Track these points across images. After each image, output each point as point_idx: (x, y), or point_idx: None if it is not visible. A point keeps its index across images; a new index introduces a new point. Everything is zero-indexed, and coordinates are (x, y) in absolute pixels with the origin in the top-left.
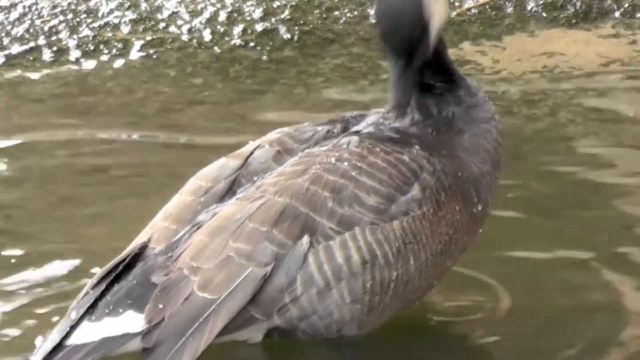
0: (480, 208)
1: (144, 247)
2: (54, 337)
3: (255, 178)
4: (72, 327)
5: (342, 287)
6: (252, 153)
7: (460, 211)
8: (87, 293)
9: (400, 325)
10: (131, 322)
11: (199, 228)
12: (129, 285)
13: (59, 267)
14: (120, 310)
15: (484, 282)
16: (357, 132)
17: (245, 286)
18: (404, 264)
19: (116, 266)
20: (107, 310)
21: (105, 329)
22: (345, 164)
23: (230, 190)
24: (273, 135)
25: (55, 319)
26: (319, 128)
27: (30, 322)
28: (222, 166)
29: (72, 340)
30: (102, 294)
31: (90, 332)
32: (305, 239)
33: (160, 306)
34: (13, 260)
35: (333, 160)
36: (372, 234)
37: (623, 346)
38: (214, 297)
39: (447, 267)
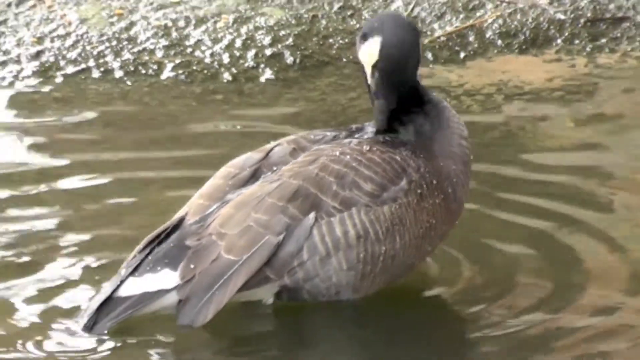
0: (456, 202)
1: (181, 219)
2: (105, 289)
3: (274, 168)
4: (121, 282)
5: (340, 256)
6: (272, 149)
7: (439, 204)
8: (134, 256)
9: (393, 294)
10: (167, 278)
11: (227, 204)
12: (167, 247)
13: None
14: (159, 268)
15: (454, 256)
16: (357, 137)
17: (262, 251)
18: (391, 242)
19: (159, 234)
20: (148, 268)
21: (145, 284)
22: (348, 157)
23: (253, 177)
24: (290, 136)
25: None
26: (327, 133)
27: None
28: (248, 157)
29: (119, 293)
30: (146, 256)
31: (133, 286)
32: (312, 214)
33: (192, 266)
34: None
35: (337, 153)
36: (366, 214)
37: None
38: (236, 259)
39: (427, 250)
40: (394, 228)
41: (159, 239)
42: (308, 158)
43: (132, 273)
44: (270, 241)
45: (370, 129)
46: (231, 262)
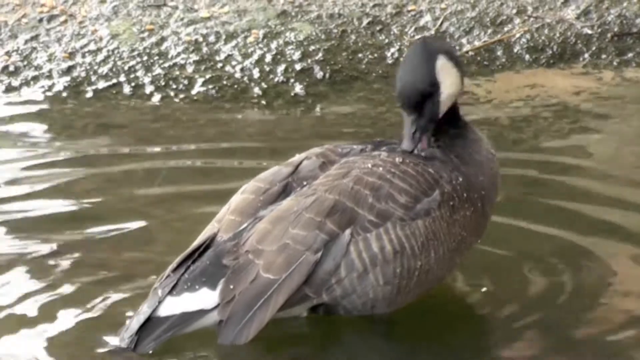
0: (484, 215)
1: (214, 236)
2: (144, 310)
3: (305, 183)
4: (159, 302)
5: (377, 272)
6: (301, 162)
7: (469, 216)
8: (168, 275)
9: (421, 306)
10: (206, 298)
11: (260, 220)
12: (203, 266)
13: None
14: (197, 287)
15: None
16: (385, 149)
17: (301, 269)
18: (427, 256)
19: (192, 252)
20: (185, 287)
21: (184, 304)
22: (381, 168)
23: (283, 192)
24: (317, 149)
25: None
26: (354, 146)
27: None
28: (276, 172)
29: (158, 313)
30: (182, 274)
31: (172, 306)
32: (348, 231)
33: (231, 286)
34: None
35: (370, 165)
36: (401, 229)
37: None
38: (276, 278)
39: (457, 262)
40: (429, 243)
41: (193, 257)
42: (340, 171)
43: (170, 292)
44: (308, 259)
45: (397, 146)
46: (270, 281)
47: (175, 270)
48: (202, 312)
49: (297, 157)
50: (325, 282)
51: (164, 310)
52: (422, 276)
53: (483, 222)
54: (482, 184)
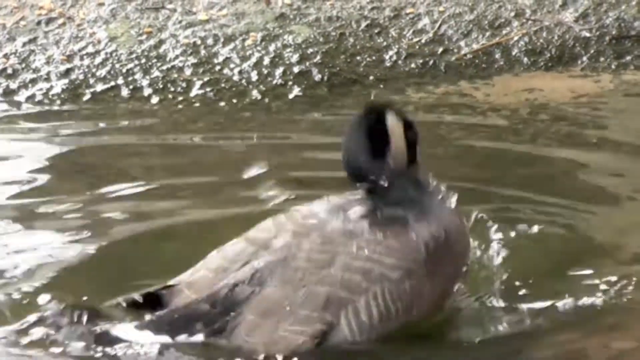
0: (461, 254)
1: (175, 291)
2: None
3: (279, 253)
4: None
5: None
6: (269, 240)
7: (452, 259)
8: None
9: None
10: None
11: (234, 283)
12: (171, 318)
13: None
14: (159, 331)
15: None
16: (362, 217)
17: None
18: (407, 314)
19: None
20: (149, 323)
21: (142, 337)
22: (366, 251)
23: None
24: (288, 224)
25: None
26: (324, 216)
27: None
28: (241, 250)
29: (114, 331)
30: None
31: (130, 333)
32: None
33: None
34: None
35: (354, 249)
36: (389, 293)
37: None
38: None
39: (449, 295)
40: (412, 302)
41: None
42: (324, 256)
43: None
44: (307, 344)
45: (367, 201)
46: None
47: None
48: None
49: (265, 231)
50: None
51: (121, 333)
52: (411, 321)
53: (465, 251)
54: (454, 222)
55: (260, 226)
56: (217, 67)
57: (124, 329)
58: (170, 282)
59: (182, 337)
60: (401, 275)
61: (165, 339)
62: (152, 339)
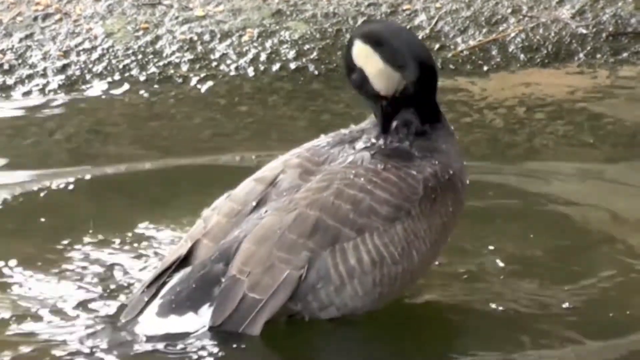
0: (463, 194)
1: (188, 255)
2: (125, 326)
3: (285, 194)
4: (138, 319)
5: (355, 284)
6: (277, 177)
7: (451, 201)
8: (143, 290)
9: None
10: (191, 322)
11: (245, 236)
12: (190, 289)
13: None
14: (183, 311)
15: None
16: (366, 149)
17: (286, 287)
18: (408, 259)
19: (167, 269)
20: (171, 307)
21: (169, 326)
22: (362, 179)
23: (257, 209)
24: (294, 160)
25: None
26: (332, 150)
27: None
28: (250, 190)
29: (141, 330)
30: (156, 292)
31: (157, 326)
32: (330, 248)
33: (221, 308)
34: None
35: (351, 176)
36: (379, 237)
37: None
38: (261, 297)
39: (441, 248)
40: (409, 245)
41: (168, 274)
42: (321, 184)
43: (157, 312)
44: (292, 276)
45: (373, 132)
46: (256, 300)
47: (150, 285)
48: (186, 334)
49: (272, 170)
50: (304, 296)
51: (147, 329)
52: (405, 277)
53: (463, 199)
54: (459, 163)
55: (268, 166)
56: (214, 63)
57: (149, 320)
58: (187, 245)
59: (204, 308)
60: (390, 213)
61: (191, 316)
62: (177, 325)
